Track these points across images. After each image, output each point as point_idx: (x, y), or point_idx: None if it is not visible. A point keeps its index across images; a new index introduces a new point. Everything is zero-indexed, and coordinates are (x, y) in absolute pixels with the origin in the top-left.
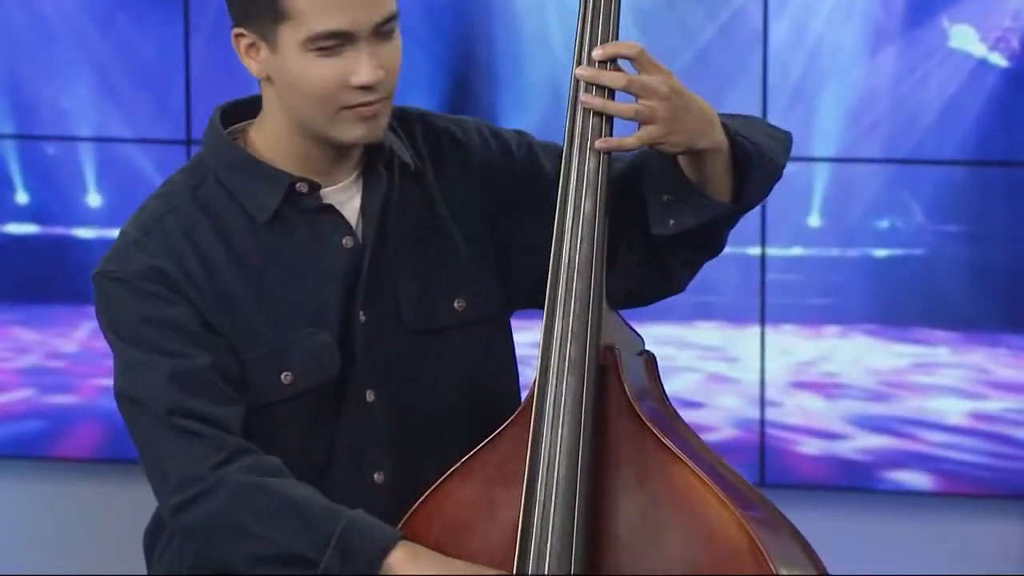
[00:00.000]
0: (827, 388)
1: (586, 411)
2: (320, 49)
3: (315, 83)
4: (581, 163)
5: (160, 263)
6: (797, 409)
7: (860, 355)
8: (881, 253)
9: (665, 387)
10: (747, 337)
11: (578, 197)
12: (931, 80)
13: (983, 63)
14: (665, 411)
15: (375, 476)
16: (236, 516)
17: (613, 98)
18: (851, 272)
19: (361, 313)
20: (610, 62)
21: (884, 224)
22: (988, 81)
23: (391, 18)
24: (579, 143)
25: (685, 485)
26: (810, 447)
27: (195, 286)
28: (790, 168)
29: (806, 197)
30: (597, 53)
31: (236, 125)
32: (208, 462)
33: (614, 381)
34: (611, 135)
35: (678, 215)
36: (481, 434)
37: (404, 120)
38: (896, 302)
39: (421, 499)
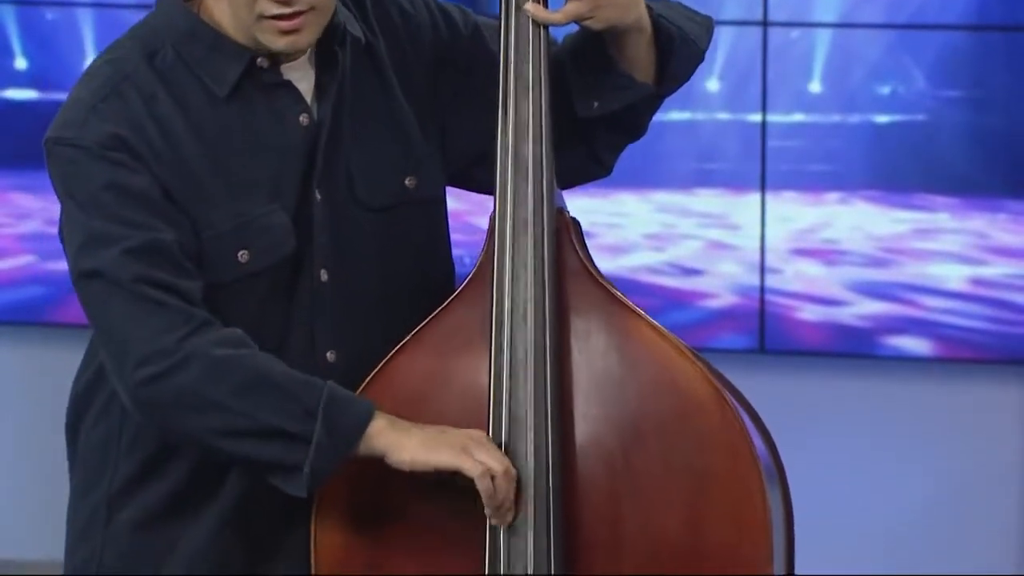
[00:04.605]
0: (827, 254)
1: (549, 271)
2: None
3: None
4: (519, 29)
5: (121, 131)
6: (797, 276)
7: (860, 221)
8: (882, 119)
9: (668, 253)
10: (747, 204)
11: (519, 61)
12: None
13: None
14: (600, 273)
15: (328, 355)
16: (209, 390)
17: None
18: (852, 138)
19: (317, 191)
20: None
21: (885, 90)
22: None
23: None
24: (515, 11)
25: (648, 339)
26: (810, 313)
27: (156, 156)
28: (791, 34)
29: (807, 63)
30: None
31: None
32: (176, 333)
33: (567, 242)
34: (546, 5)
35: (602, 97)
36: (428, 312)
37: None
38: (897, 168)
39: (369, 377)
